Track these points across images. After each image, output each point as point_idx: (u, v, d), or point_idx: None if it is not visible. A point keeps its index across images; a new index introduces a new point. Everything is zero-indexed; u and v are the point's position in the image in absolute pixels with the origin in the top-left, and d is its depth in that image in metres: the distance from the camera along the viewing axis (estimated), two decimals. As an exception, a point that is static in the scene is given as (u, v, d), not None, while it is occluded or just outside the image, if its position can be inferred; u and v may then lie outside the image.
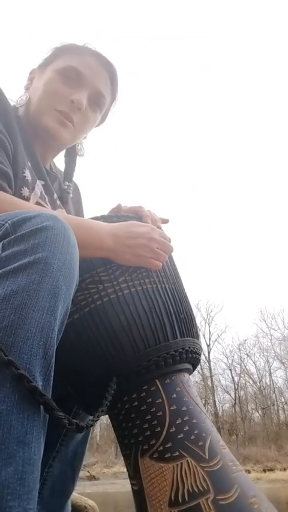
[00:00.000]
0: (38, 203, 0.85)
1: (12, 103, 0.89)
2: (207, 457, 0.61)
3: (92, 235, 0.72)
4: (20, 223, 0.56)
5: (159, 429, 0.64)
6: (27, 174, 0.83)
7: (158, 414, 0.65)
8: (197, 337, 0.78)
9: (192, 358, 0.73)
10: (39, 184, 0.88)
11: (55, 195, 0.95)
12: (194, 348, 0.73)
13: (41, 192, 0.88)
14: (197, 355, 0.75)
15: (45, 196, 0.90)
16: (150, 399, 0.66)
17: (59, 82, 0.86)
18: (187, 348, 0.71)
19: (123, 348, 0.68)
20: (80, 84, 0.87)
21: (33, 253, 0.52)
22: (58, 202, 0.96)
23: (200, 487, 0.58)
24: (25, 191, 0.81)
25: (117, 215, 0.81)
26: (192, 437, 0.63)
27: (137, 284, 0.73)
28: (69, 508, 0.91)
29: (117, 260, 0.73)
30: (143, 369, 0.67)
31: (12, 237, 0.55)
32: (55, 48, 0.92)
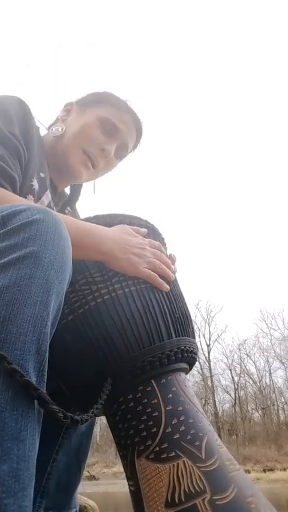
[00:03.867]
0: None
1: (42, 127, 0.94)
2: (203, 457, 0.61)
3: (92, 237, 0.71)
4: (9, 217, 0.56)
5: (155, 430, 0.63)
6: (35, 184, 0.83)
7: (154, 415, 0.64)
8: (193, 336, 0.77)
9: (188, 358, 0.73)
10: (48, 195, 0.88)
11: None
12: (190, 347, 0.73)
13: (49, 203, 0.88)
14: (193, 354, 0.75)
15: (53, 208, 0.90)
16: (146, 400, 0.66)
17: (97, 128, 0.94)
18: (183, 348, 0.71)
19: (117, 349, 0.67)
20: (114, 136, 0.96)
21: (24, 247, 0.52)
22: None
23: (197, 487, 0.58)
24: (30, 198, 0.81)
25: (110, 215, 0.80)
26: (189, 437, 0.62)
27: (130, 284, 0.72)
28: (76, 500, 0.91)
29: (112, 265, 0.72)
30: (138, 370, 0.66)
31: (2, 231, 0.54)
32: (98, 93, 0.99)
